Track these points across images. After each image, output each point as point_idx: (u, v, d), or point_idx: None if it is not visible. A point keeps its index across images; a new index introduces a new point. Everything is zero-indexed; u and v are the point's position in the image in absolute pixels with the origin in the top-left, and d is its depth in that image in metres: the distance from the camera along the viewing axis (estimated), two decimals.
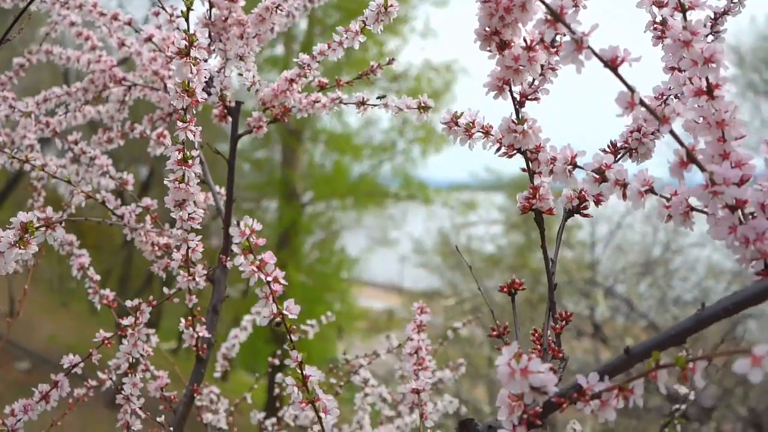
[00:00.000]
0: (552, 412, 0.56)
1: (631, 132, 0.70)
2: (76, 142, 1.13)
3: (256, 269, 0.63)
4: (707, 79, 0.54)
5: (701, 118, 0.56)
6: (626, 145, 0.70)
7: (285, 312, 0.64)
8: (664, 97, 0.71)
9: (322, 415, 0.65)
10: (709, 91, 0.55)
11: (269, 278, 0.63)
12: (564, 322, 0.63)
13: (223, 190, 1.15)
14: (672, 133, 0.51)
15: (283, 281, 0.63)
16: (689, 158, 0.52)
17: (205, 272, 0.92)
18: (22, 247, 0.69)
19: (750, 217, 0.52)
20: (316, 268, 11.47)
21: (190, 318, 0.97)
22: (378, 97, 0.94)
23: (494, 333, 0.66)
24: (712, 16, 0.72)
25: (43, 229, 0.67)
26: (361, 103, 0.96)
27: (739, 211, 0.53)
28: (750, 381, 0.41)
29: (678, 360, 0.46)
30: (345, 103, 0.97)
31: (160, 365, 1.14)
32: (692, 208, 0.56)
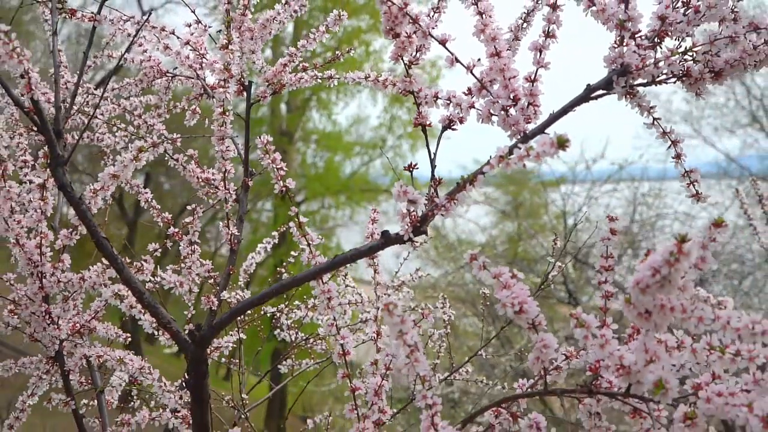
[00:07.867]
0: (426, 221, 1.08)
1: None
2: (140, 115, 1.67)
3: (271, 162, 1.16)
4: (494, 46, 1.08)
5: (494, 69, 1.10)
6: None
7: (287, 185, 1.17)
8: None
9: (311, 244, 1.19)
10: (497, 53, 1.08)
11: (278, 166, 1.16)
12: (438, 184, 1.17)
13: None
14: (473, 74, 1.05)
15: (285, 168, 1.17)
16: (482, 86, 1.06)
17: (236, 188, 1.46)
18: (136, 161, 1.22)
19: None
20: None
21: (226, 221, 1.51)
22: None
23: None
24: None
25: (151, 148, 1.20)
26: (331, 77, 1.50)
27: (512, 110, 1.07)
28: None
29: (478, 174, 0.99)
30: (321, 79, 1.51)
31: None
32: (492, 114, 1.09)
